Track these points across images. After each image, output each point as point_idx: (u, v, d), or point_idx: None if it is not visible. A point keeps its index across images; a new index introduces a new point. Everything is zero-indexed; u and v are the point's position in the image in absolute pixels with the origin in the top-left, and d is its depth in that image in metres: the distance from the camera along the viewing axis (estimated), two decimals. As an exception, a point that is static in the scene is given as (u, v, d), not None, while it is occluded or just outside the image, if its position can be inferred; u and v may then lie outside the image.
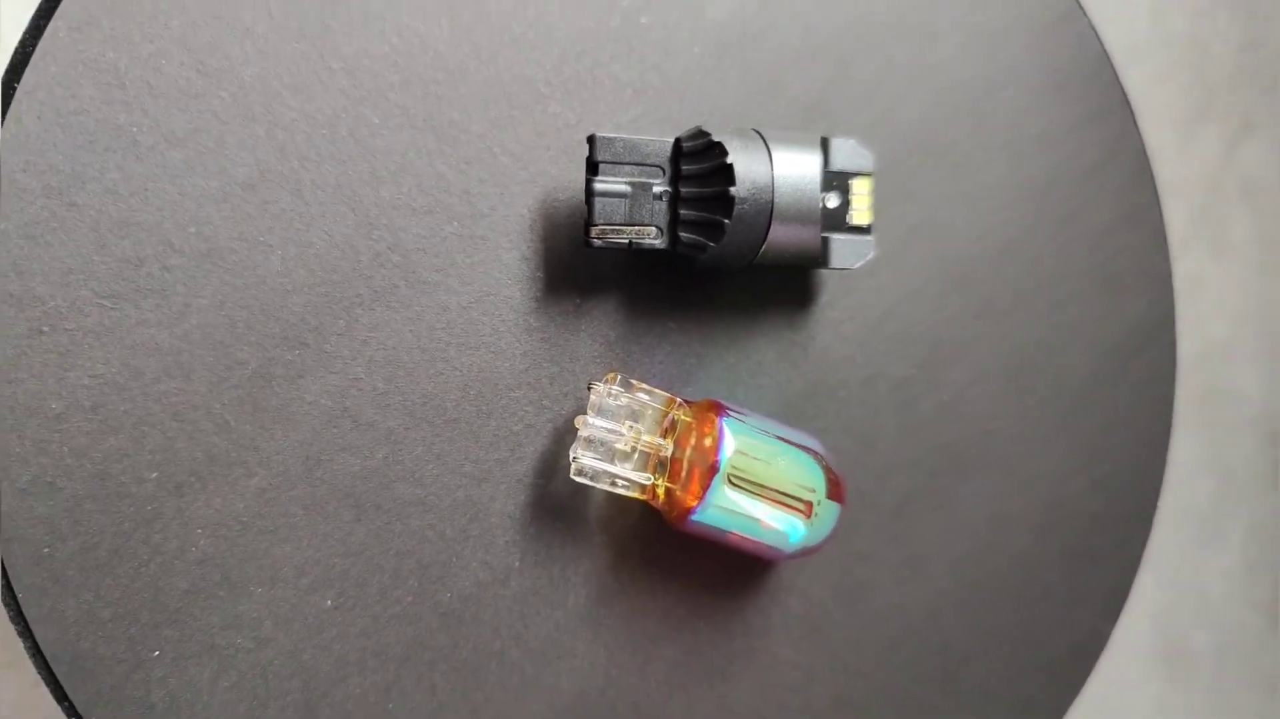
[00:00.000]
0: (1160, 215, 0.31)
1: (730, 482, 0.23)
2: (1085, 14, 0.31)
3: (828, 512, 0.24)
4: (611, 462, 0.23)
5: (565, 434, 0.25)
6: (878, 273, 0.28)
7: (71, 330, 0.22)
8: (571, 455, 0.23)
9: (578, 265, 0.25)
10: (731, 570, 0.26)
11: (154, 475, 0.22)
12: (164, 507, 0.22)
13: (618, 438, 0.23)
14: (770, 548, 0.24)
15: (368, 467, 0.24)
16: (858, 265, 0.25)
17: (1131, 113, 0.31)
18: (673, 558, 0.25)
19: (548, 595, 0.25)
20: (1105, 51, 0.31)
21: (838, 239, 0.25)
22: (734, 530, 0.23)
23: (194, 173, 0.23)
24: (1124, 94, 0.31)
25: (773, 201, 0.23)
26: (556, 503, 0.25)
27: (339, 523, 0.23)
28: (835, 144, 0.25)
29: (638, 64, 0.26)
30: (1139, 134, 0.31)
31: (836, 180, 0.25)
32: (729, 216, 0.23)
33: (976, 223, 0.29)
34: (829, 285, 0.27)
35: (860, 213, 0.25)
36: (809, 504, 0.23)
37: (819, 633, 0.27)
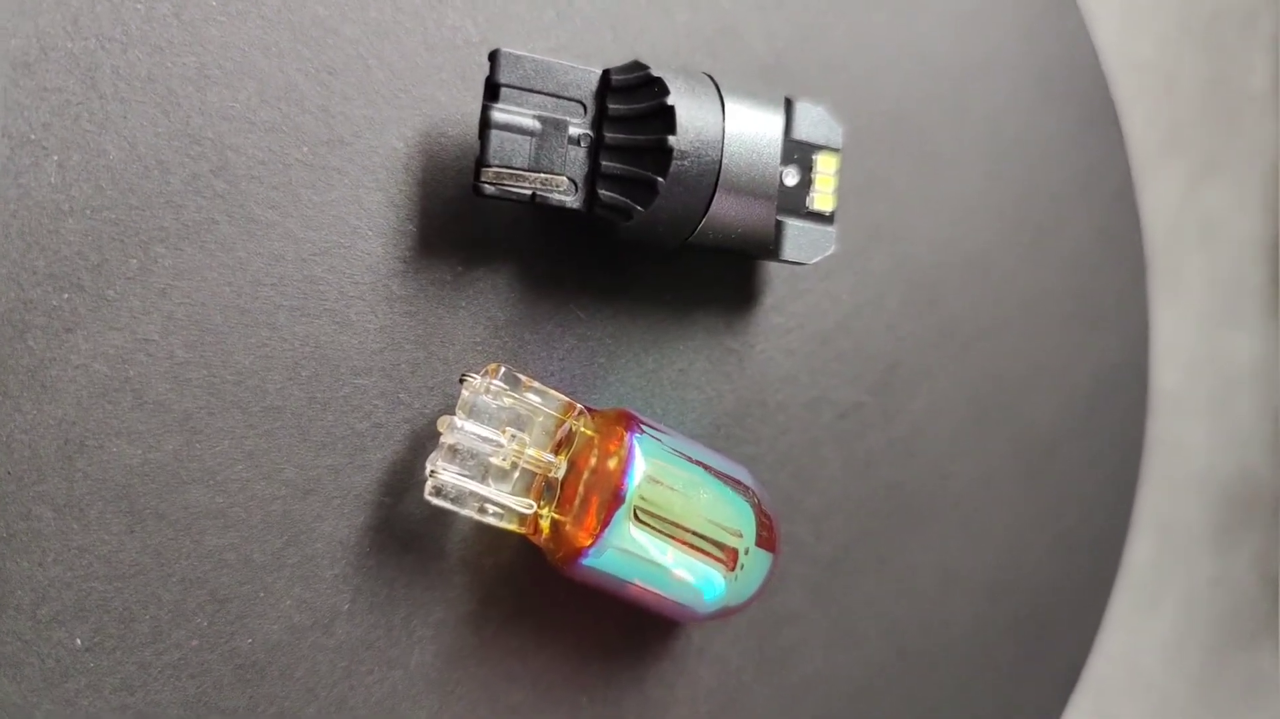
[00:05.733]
0: (1141, 242, 0.28)
1: (637, 517, 0.17)
2: (1078, 8, 0.27)
3: (756, 562, 0.19)
4: (482, 480, 0.17)
5: (426, 440, 0.19)
6: (833, 275, 0.23)
7: None
8: (429, 468, 0.17)
9: (463, 221, 0.19)
10: (629, 629, 0.21)
11: None
12: None
13: (494, 449, 0.17)
14: (681, 606, 0.19)
15: (151, 460, 0.17)
16: (814, 260, 0.20)
17: (1119, 126, 0.28)
18: (553, 610, 0.20)
19: (384, 650, 0.19)
20: (1095, 52, 0.28)
21: (794, 225, 0.20)
22: (635, 580, 0.18)
23: (-68, 34, 0.16)
24: (1113, 104, 0.28)
25: (720, 162, 0.18)
26: (406, 530, 0.19)
27: (104, 534, 0.17)
28: (800, 108, 0.20)
29: (565, -20, 0.20)
30: (1125, 150, 0.28)
31: (798, 152, 0.20)
32: (664, 175, 0.18)
33: (946, 228, 0.25)
34: (775, 283, 0.22)
35: (823, 196, 0.20)
36: (733, 552, 0.18)
37: (732, 708, 0.22)
